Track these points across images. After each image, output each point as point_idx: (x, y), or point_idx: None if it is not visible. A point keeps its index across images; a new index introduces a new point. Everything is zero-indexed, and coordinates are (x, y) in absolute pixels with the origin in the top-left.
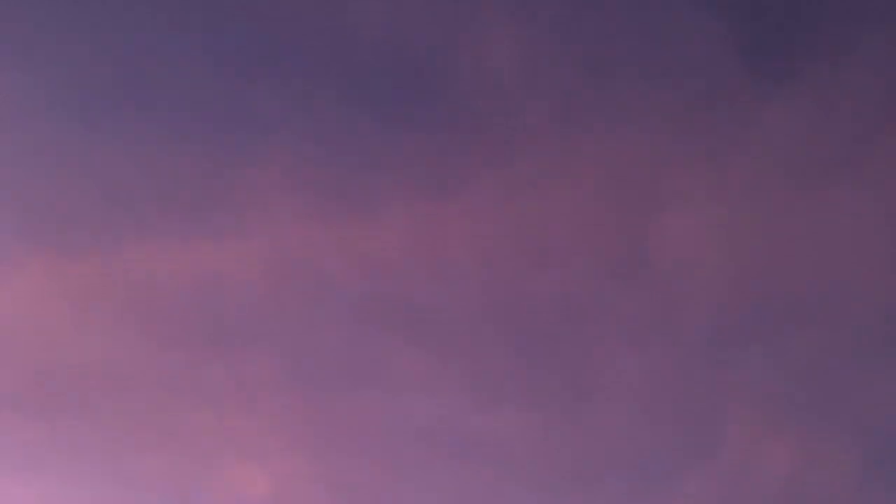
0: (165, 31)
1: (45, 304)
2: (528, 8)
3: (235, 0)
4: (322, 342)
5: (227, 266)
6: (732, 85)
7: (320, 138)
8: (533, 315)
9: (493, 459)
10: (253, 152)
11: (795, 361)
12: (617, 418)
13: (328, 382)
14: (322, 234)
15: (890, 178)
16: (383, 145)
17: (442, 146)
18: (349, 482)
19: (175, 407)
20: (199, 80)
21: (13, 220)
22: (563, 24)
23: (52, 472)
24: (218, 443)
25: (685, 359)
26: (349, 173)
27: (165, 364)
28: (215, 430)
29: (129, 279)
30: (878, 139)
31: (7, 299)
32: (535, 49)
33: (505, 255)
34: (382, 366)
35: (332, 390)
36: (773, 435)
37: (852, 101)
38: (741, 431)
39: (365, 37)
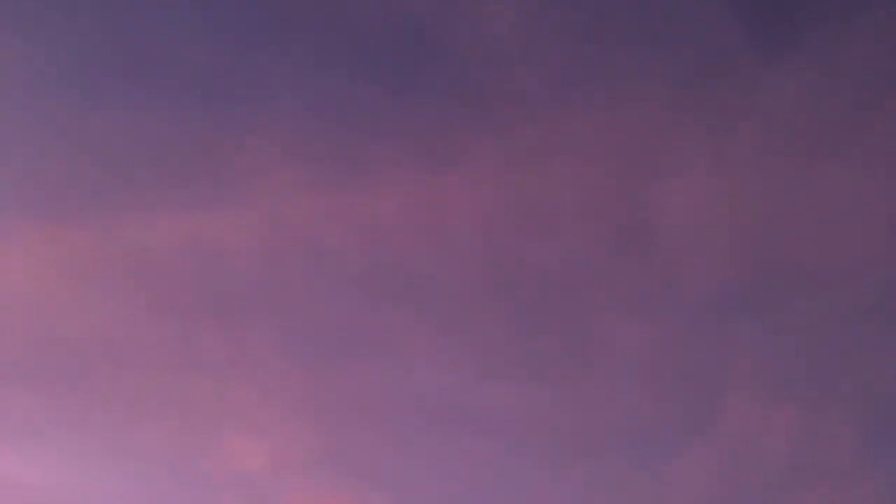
0: (164, 1)
1: (43, 275)
2: None
3: None
4: (322, 313)
5: (226, 236)
6: (733, 55)
7: (319, 108)
8: (534, 285)
9: (494, 429)
10: (252, 122)
11: (796, 333)
12: (618, 388)
13: (328, 353)
14: (321, 204)
15: (891, 148)
16: (383, 115)
17: (442, 116)
18: (349, 453)
19: (174, 378)
20: (198, 50)
21: (11, 190)
22: None
23: (50, 444)
24: (217, 414)
25: (686, 330)
26: (349, 143)
27: (164, 335)
28: (215, 402)
29: (128, 250)
30: (879, 110)
31: (5, 271)
32: (536, 17)
33: (505, 225)
34: (383, 336)
35: (332, 361)
36: (774, 405)
37: (853, 71)
38: (741, 402)
39: (364, 6)
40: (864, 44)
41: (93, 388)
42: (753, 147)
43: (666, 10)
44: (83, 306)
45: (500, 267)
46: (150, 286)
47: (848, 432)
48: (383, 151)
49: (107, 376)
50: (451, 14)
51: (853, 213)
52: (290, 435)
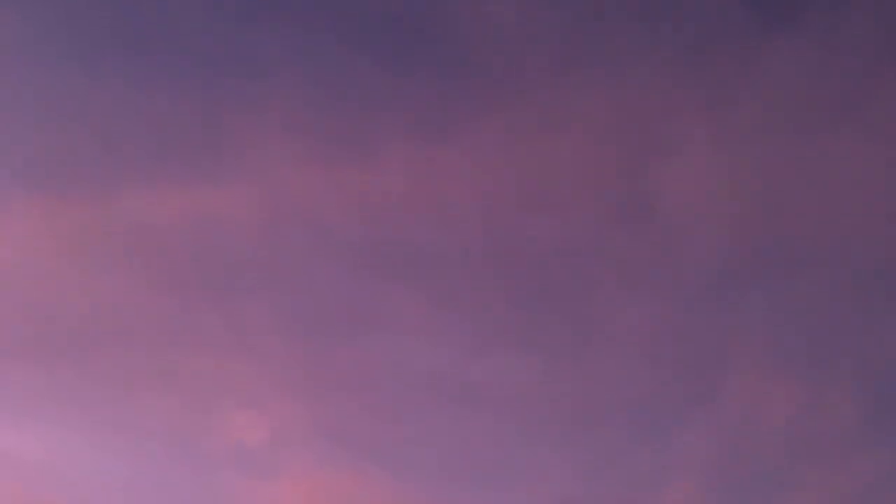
0: None
1: (43, 249)
2: None
3: None
4: (321, 287)
5: (225, 211)
6: (733, 30)
7: (319, 82)
8: (533, 260)
9: (493, 404)
10: (251, 96)
11: (797, 307)
12: (618, 363)
13: (328, 328)
14: (321, 179)
15: (891, 122)
16: (383, 89)
17: (442, 90)
18: (348, 427)
19: (173, 353)
20: (198, 25)
21: (10, 165)
22: None
23: (48, 419)
24: (217, 389)
25: (686, 304)
26: (348, 117)
27: (163, 309)
28: (214, 376)
29: (127, 224)
30: (878, 85)
31: (4, 245)
32: None
33: (505, 200)
34: (382, 311)
35: (332, 336)
36: (774, 380)
37: (853, 46)
38: (742, 376)
39: None
40: (864, 19)
41: (91, 363)
42: (753, 122)
43: None
44: (81, 281)
45: (500, 242)
46: (148, 261)
47: (849, 407)
48: (383, 126)
49: (105, 351)
50: None
51: (854, 187)
52: (289, 410)
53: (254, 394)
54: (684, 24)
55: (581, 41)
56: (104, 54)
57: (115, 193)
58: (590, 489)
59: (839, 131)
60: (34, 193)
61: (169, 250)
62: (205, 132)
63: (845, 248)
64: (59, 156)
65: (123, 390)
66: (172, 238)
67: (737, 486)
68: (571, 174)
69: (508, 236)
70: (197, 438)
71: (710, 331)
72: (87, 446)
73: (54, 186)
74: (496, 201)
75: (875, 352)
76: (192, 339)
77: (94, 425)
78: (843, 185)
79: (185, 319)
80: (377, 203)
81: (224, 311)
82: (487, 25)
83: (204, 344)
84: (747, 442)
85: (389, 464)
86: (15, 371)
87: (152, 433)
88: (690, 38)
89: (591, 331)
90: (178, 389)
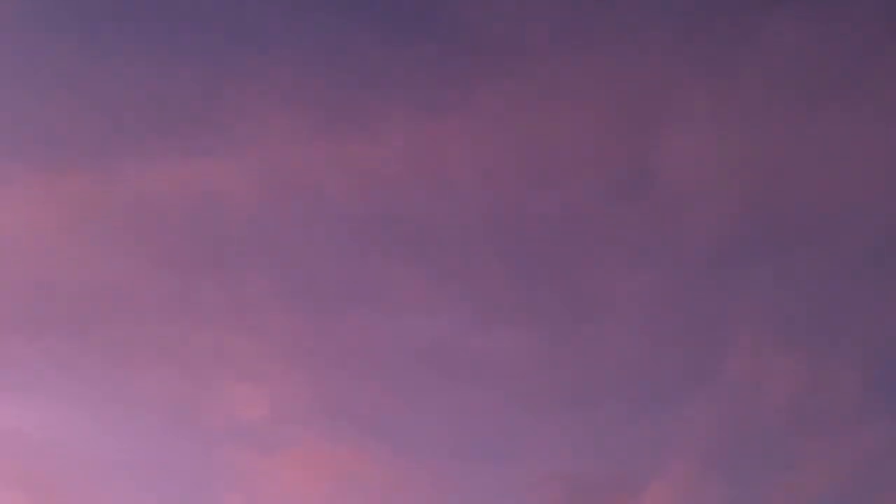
0: None
1: (41, 223)
2: None
3: None
4: (321, 261)
5: (224, 184)
6: (735, 1)
7: (320, 55)
8: (534, 234)
9: (493, 379)
10: (251, 70)
11: (799, 281)
12: (618, 338)
13: (327, 302)
14: (321, 152)
15: (893, 92)
16: (383, 62)
17: (443, 63)
18: (348, 402)
19: (172, 327)
20: None
21: (8, 138)
22: None
23: (47, 392)
24: (217, 363)
25: (688, 278)
26: (348, 90)
27: (162, 284)
28: (214, 351)
29: (126, 198)
30: (880, 55)
31: (3, 218)
32: None
33: (506, 174)
34: (382, 285)
35: (331, 310)
36: (776, 354)
37: (855, 16)
38: (744, 351)
39: None
40: None
41: (91, 337)
42: (754, 95)
43: None
44: (81, 255)
45: (500, 215)
46: (148, 234)
47: (852, 379)
48: (383, 99)
49: (105, 324)
50: None
51: (856, 158)
52: (289, 384)
53: (254, 368)
54: None
55: (581, 14)
56: (103, 27)
57: (114, 167)
58: (590, 464)
59: (841, 104)
60: (33, 168)
61: (169, 224)
62: (205, 106)
63: (848, 221)
64: (58, 129)
65: (123, 365)
66: (172, 211)
67: (738, 459)
68: (572, 147)
69: (509, 209)
70: (197, 413)
71: (712, 305)
72: (87, 421)
73: (54, 160)
74: (496, 174)
75: (878, 326)
76: (193, 313)
77: (94, 400)
78: (845, 156)
79: (185, 293)
80: (377, 176)
81: (224, 285)
82: None
83: (204, 318)
84: (749, 416)
85: (389, 438)
86: (14, 345)
87: (152, 407)
88: (691, 9)
89: (591, 305)
90: (178, 364)
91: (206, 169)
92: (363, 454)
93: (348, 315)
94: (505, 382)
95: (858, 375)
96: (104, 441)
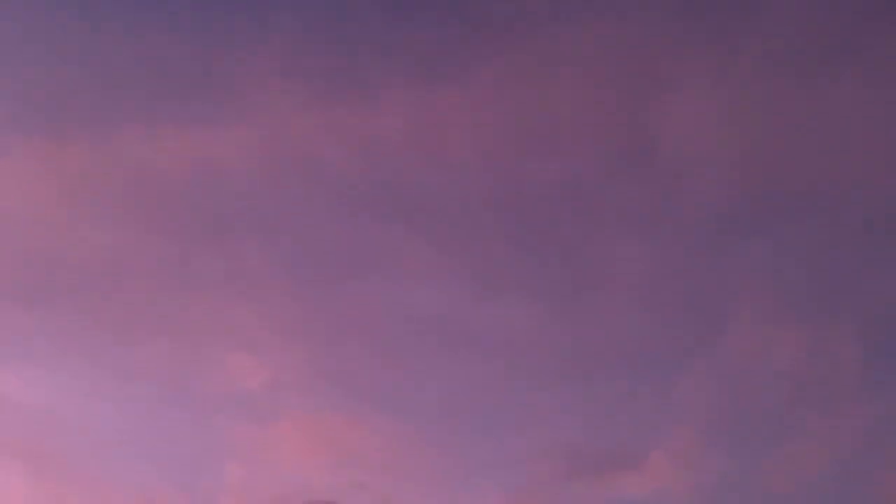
0: None
1: (39, 192)
2: None
3: None
4: (320, 231)
5: (223, 153)
6: None
7: (319, 24)
8: (534, 204)
9: (493, 350)
10: (250, 39)
11: (800, 252)
12: (620, 309)
13: (327, 272)
14: (321, 121)
15: (893, 62)
16: (383, 31)
17: (443, 32)
18: (347, 371)
19: (171, 297)
20: None
21: (7, 106)
22: None
23: (47, 363)
24: (215, 333)
25: (689, 250)
26: (349, 59)
27: (161, 253)
28: (212, 321)
29: (126, 167)
30: (881, 24)
31: (2, 189)
32: None
33: (506, 143)
34: (381, 255)
35: (331, 280)
36: (777, 325)
37: None
38: (744, 322)
39: None
40: None
41: (89, 307)
42: (755, 63)
43: None
44: (80, 225)
45: (500, 186)
46: (147, 204)
47: (852, 351)
48: (383, 69)
49: (104, 295)
50: None
51: (856, 127)
52: (288, 354)
53: (253, 337)
54: None
55: None
56: None
57: (114, 138)
58: (591, 434)
59: (841, 74)
60: (32, 137)
61: (167, 193)
62: (204, 75)
63: (849, 191)
64: (58, 99)
65: (122, 335)
66: (171, 181)
67: (738, 431)
68: (572, 116)
69: (509, 179)
70: (196, 383)
71: (712, 276)
72: (86, 391)
73: (53, 130)
74: (496, 144)
75: (878, 296)
76: (192, 283)
77: (92, 370)
78: (846, 125)
79: (184, 263)
80: (377, 146)
81: (223, 255)
82: None
83: (203, 288)
84: (749, 387)
85: (389, 408)
86: (13, 314)
87: (151, 378)
88: None
89: (592, 276)
90: (177, 334)
91: (205, 139)
92: (362, 424)
93: (347, 285)
94: (505, 353)
95: (859, 347)
96: (103, 411)
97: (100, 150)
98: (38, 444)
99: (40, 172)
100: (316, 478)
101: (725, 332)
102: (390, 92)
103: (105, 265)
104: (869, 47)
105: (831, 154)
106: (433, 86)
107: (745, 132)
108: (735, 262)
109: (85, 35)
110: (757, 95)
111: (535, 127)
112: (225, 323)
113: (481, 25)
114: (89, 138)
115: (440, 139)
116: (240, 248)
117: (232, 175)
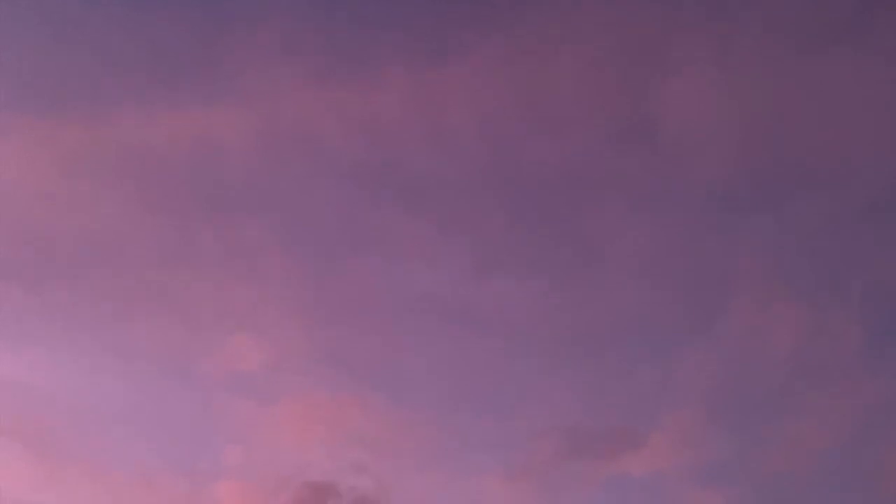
0: None
1: (37, 170)
2: None
3: None
4: (320, 209)
5: (222, 131)
6: None
7: (318, 2)
8: (535, 181)
9: (493, 329)
10: (249, 17)
11: (801, 230)
12: (620, 287)
13: (326, 250)
14: (320, 100)
15: (893, 41)
16: (382, 10)
17: (443, 9)
18: (347, 350)
19: (169, 276)
20: None
21: (7, 86)
22: None
23: (44, 342)
24: (215, 312)
25: (690, 226)
26: (348, 37)
27: (159, 232)
28: (212, 300)
29: (123, 145)
30: (881, 2)
31: (0, 166)
32: None
33: (506, 121)
34: (381, 233)
35: (331, 258)
36: (778, 304)
37: None
38: (746, 300)
39: None
40: None
41: (88, 286)
42: (756, 39)
43: None
44: (78, 202)
45: (501, 163)
46: (146, 182)
47: (854, 329)
48: (382, 47)
49: (102, 273)
50: None
51: (858, 105)
52: (288, 333)
53: (252, 317)
54: None
55: None
56: None
57: (113, 116)
58: (591, 413)
59: (842, 49)
60: (30, 115)
61: (166, 171)
62: (202, 53)
63: (851, 169)
64: (56, 77)
65: (122, 314)
66: (170, 159)
67: (739, 409)
68: (572, 95)
69: (509, 157)
70: (195, 362)
71: (713, 253)
72: (84, 370)
73: (51, 108)
74: (496, 122)
75: (879, 275)
76: (191, 262)
77: (91, 349)
78: (847, 103)
79: (183, 242)
80: (377, 124)
81: (222, 234)
82: None
83: (203, 267)
84: (750, 365)
85: (389, 387)
86: (12, 295)
87: (150, 357)
88: None
89: (593, 253)
90: (176, 313)
91: (204, 117)
92: (361, 404)
93: (347, 263)
94: (505, 332)
95: (862, 325)
96: (102, 390)
97: (99, 130)
98: (37, 424)
99: (40, 152)
100: (315, 458)
101: (726, 310)
102: (390, 70)
103: (104, 244)
104: (869, 24)
105: (832, 132)
106: (433, 64)
107: (746, 110)
108: (736, 240)
109: (84, 15)
110: (757, 73)
111: (536, 105)
112: (224, 302)
113: (482, 4)
114: (89, 118)
115: (440, 117)
116: (239, 227)
117: (231, 154)
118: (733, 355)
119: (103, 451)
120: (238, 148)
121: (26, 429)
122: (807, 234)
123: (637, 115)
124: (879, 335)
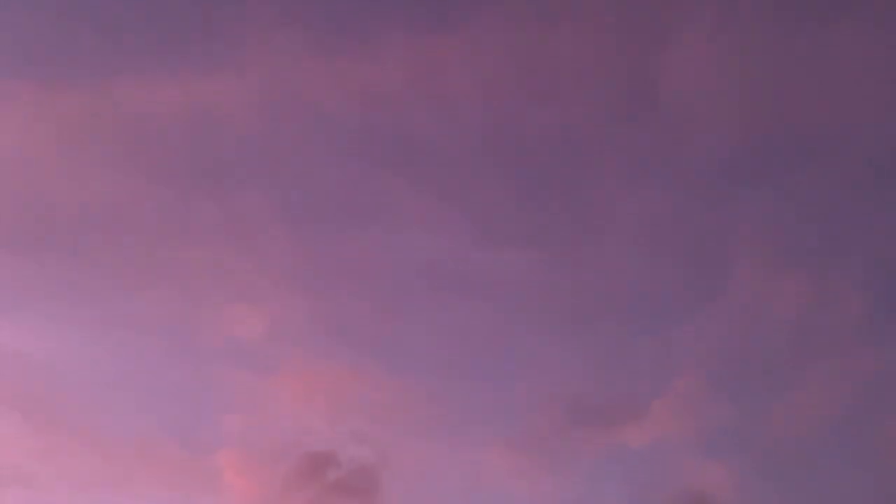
0: None
1: (35, 140)
2: None
3: None
4: (320, 179)
5: (222, 101)
6: None
7: None
8: (535, 151)
9: (493, 297)
10: None
11: (803, 200)
12: (621, 256)
13: (326, 220)
14: (320, 69)
15: (894, 7)
16: None
17: None
18: (346, 320)
19: (168, 246)
20: None
21: (5, 54)
22: None
23: (43, 312)
24: (214, 281)
25: (692, 196)
26: (348, 6)
27: (158, 201)
28: (210, 270)
29: (123, 115)
30: None
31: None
32: None
33: (507, 90)
34: (381, 202)
35: (330, 228)
36: (780, 273)
37: None
38: (748, 270)
39: None
40: None
41: (87, 256)
42: (757, 8)
43: None
44: (77, 172)
45: (501, 133)
46: (145, 151)
47: (856, 299)
48: (382, 16)
49: (101, 244)
50: None
51: (861, 75)
52: (287, 302)
53: (251, 287)
54: None
55: None
56: None
57: (110, 83)
58: (592, 383)
59: (844, 21)
60: (30, 84)
61: (166, 141)
62: (203, 23)
63: (852, 137)
64: (55, 45)
65: (119, 283)
66: (169, 129)
67: (741, 379)
68: (573, 65)
69: (509, 126)
70: (195, 332)
71: (715, 224)
72: (84, 340)
73: (49, 76)
74: (497, 92)
75: (883, 245)
76: (189, 231)
77: (89, 319)
78: (850, 73)
79: (182, 212)
80: (377, 94)
81: (221, 203)
82: None
83: (202, 237)
84: (752, 335)
85: (388, 357)
86: (8, 263)
87: (149, 327)
88: None
89: (593, 224)
90: (176, 283)
91: (204, 86)
92: (361, 374)
93: (347, 233)
94: (505, 302)
95: (864, 295)
96: (101, 361)
97: (99, 98)
98: (36, 394)
99: (37, 119)
100: (315, 427)
101: (728, 279)
102: (390, 39)
103: (103, 213)
104: None
105: (834, 100)
106: (433, 32)
107: (747, 78)
108: (737, 209)
109: None
110: (758, 43)
111: (536, 74)
112: (224, 272)
113: None
114: (88, 86)
115: (440, 86)
116: (238, 197)
117: (231, 123)
118: (735, 325)
119: (103, 420)
120: (238, 117)
121: (25, 398)
122: (808, 204)
123: (638, 84)
124: (881, 304)
